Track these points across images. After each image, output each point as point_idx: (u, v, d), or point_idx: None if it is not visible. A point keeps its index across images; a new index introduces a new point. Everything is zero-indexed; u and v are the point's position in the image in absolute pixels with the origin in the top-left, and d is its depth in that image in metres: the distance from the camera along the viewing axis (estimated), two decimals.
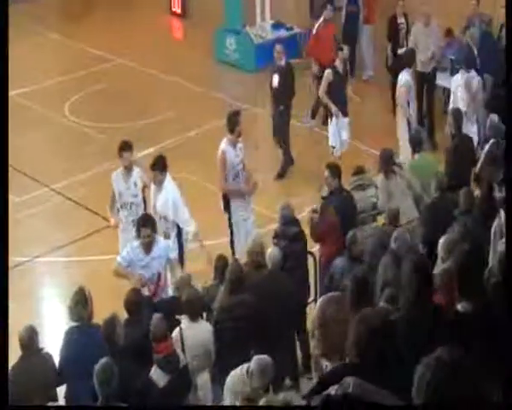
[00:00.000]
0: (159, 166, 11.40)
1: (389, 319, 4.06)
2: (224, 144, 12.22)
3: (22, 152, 15.95)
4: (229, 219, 12.37)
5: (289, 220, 10.51)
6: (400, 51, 16.63)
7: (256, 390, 7.65)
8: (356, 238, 9.76)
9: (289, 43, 19.77)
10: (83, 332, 8.72)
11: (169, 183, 11.38)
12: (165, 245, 10.46)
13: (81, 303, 8.80)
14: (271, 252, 9.81)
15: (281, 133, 15.12)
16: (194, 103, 17.78)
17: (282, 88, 14.92)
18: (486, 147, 12.15)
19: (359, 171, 11.43)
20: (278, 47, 15.40)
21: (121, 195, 11.77)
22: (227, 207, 12.36)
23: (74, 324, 8.90)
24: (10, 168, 15.51)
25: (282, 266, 9.80)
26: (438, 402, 3.23)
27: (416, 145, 12.13)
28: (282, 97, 14.97)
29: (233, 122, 12.21)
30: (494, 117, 12.63)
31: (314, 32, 16.78)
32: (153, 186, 11.57)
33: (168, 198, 11.26)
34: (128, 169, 11.75)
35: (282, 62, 15.07)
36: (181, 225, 11.35)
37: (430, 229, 9.87)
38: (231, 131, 12.19)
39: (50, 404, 7.51)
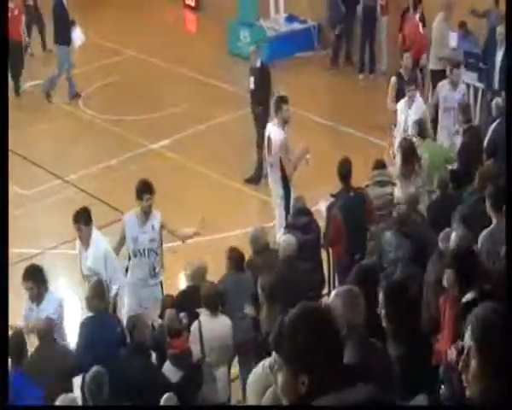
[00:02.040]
0: (83, 219, 10.08)
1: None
2: (281, 132, 11.95)
3: (35, 144, 15.95)
4: (288, 202, 12.04)
5: (301, 211, 10.47)
6: None
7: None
8: (409, 215, 9.69)
9: (303, 36, 19.76)
10: (99, 322, 8.70)
11: (97, 236, 10.16)
12: (53, 301, 9.39)
13: (98, 296, 8.78)
14: (285, 239, 9.77)
15: (259, 135, 14.41)
16: (208, 96, 17.74)
17: (259, 89, 14.52)
18: (493, 125, 12.08)
19: (379, 165, 11.26)
20: (252, 48, 15.11)
21: (135, 240, 10.34)
22: (287, 189, 12.10)
23: (91, 314, 8.89)
24: (24, 160, 15.66)
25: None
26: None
27: (420, 131, 12.02)
28: (259, 99, 14.53)
29: (277, 106, 12.03)
30: (499, 99, 12.49)
31: (421, 30, 16.32)
32: (77, 243, 10.38)
33: (99, 255, 9.98)
34: (146, 212, 10.41)
35: (257, 63, 14.63)
36: (109, 281, 9.84)
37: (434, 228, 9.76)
38: (276, 113, 12.05)
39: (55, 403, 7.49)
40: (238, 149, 15.43)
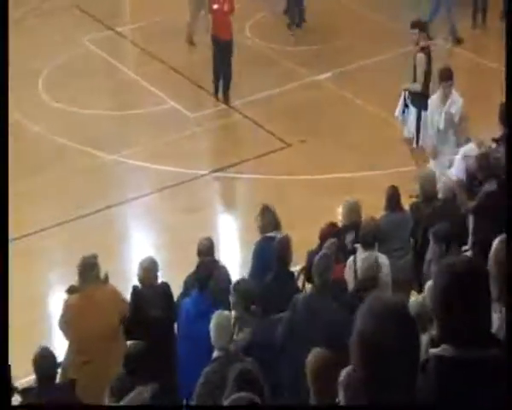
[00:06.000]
0: None
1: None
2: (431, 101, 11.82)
3: (204, 69, 16.36)
4: None
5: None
6: None
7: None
8: None
9: None
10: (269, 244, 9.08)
11: None
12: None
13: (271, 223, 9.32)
14: (444, 181, 9.82)
15: None
16: (373, 32, 17.64)
17: None
18: None
19: None
20: None
21: None
22: None
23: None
24: (192, 84, 16.16)
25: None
26: None
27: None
28: None
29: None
30: None
31: None
32: None
33: None
34: None
35: None
36: None
37: None
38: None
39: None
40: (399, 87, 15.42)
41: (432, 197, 9.71)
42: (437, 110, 11.78)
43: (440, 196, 9.66)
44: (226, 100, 15.44)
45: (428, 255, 8.91)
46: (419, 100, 12.51)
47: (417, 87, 12.55)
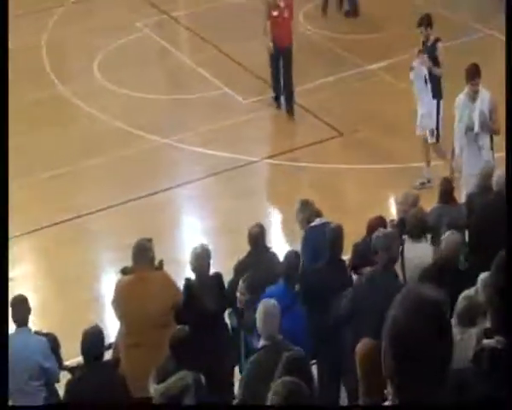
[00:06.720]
0: None
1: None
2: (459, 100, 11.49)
3: (255, 54, 16.39)
4: None
5: None
6: None
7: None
8: None
9: None
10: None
11: None
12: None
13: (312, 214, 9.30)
14: (498, 175, 9.76)
15: None
16: None
17: None
18: None
19: None
20: None
21: None
22: None
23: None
24: (244, 69, 16.18)
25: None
26: None
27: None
28: None
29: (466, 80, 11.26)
30: None
31: None
32: None
33: None
34: None
35: None
36: None
37: None
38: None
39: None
40: (451, 78, 15.30)
41: (487, 189, 9.71)
42: (465, 109, 11.43)
43: (494, 188, 9.63)
44: (291, 114, 14.77)
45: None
46: (438, 89, 12.50)
47: (438, 72, 12.51)
